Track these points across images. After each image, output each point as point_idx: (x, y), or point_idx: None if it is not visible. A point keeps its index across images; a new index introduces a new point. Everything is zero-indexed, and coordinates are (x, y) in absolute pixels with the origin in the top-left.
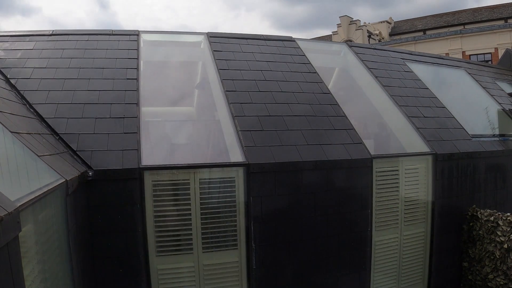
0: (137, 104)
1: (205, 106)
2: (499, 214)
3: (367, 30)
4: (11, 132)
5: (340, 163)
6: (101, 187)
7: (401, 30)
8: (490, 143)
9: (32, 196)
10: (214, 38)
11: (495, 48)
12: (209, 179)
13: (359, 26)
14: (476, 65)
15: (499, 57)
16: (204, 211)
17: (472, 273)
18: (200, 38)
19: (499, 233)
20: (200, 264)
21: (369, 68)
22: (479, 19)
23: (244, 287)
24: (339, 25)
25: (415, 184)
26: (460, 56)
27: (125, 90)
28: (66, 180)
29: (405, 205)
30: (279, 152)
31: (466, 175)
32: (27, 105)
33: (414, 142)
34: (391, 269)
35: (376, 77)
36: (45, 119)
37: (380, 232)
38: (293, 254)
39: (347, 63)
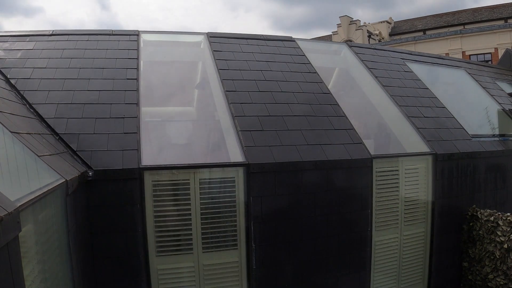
0: (137, 104)
1: (205, 106)
2: (499, 214)
3: (367, 30)
4: (11, 132)
5: (340, 163)
6: (101, 187)
7: (401, 30)
8: (490, 143)
9: (32, 196)
10: (214, 38)
11: (495, 48)
12: (209, 179)
13: (359, 26)
14: (476, 65)
15: (499, 57)
16: (204, 211)
17: (472, 273)
18: (200, 38)
19: (499, 233)
20: (200, 264)
21: (369, 68)
22: (479, 19)
23: (244, 287)
24: (339, 25)
25: (415, 184)
26: (460, 56)
27: (125, 90)
28: (66, 180)
29: (405, 205)
30: (279, 152)
31: (466, 175)
32: (27, 105)
33: (414, 142)
34: (391, 269)
35: (376, 77)
36: (45, 119)
37: (380, 232)
38: (293, 254)
39: (347, 63)
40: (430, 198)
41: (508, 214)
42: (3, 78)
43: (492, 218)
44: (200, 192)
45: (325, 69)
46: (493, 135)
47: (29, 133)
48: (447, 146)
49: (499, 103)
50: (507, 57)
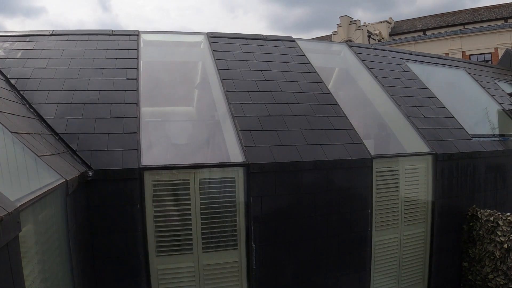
0: (137, 104)
1: (205, 106)
2: (499, 214)
3: (367, 30)
4: (11, 132)
5: (340, 163)
6: (101, 187)
7: (401, 30)
8: (490, 143)
9: (32, 196)
10: (214, 38)
11: (495, 48)
12: (209, 179)
13: (359, 26)
14: (476, 65)
15: (499, 57)
16: (204, 211)
17: (472, 273)
18: (200, 38)
19: (499, 233)
20: (200, 264)
21: (369, 68)
22: (479, 19)
23: (244, 287)
24: (339, 25)
25: (415, 184)
26: (460, 56)
27: (125, 90)
28: (66, 180)
29: (405, 205)
30: (279, 152)
31: (466, 175)
32: (27, 105)
33: (414, 142)
34: (391, 269)
35: (376, 77)
36: (45, 119)
37: (380, 232)
38: (293, 254)
39: (347, 63)
40: (430, 198)
41: (508, 214)
42: (3, 78)
43: (492, 218)
44: (200, 192)
45: (325, 69)
46: (493, 135)
47: (29, 133)
48: (447, 146)
49: (499, 103)
50: (507, 57)
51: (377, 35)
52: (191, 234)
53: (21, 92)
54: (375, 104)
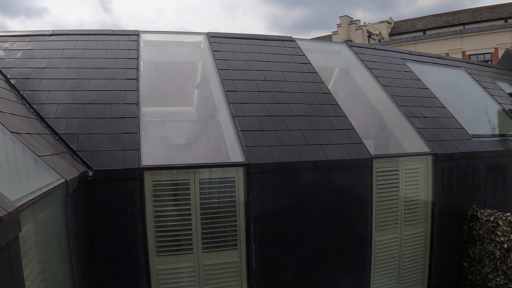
0: (137, 104)
1: (205, 106)
2: (499, 214)
3: (367, 30)
4: (11, 132)
5: (340, 163)
6: (101, 187)
7: (401, 30)
8: (490, 143)
9: (32, 196)
10: (214, 38)
11: (495, 48)
12: (209, 179)
13: (359, 26)
14: (476, 65)
15: (499, 57)
16: (204, 211)
17: (472, 273)
18: (200, 38)
19: (499, 233)
20: (200, 264)
21: (369, 68)
22: (479, 19)
23: (244, 287)
24: (339, 25)
25: (415, 184)
26: (460, 56)
27: (125, 90)
28: (66, 180)
29: (405, 205)
30: (279, 152)
31: (466, 175)
32: (27, 105)
33: (414, 142)
34: (391, 269)
35: (376, 77)
36: (45, 119)
37: (380, 232)
38: (293, 254)
39: (347, 63)
40: (430, 198)
41: (508, 214)
42: (3, 78)
43: (492, 218)
44: (200, 192)
45: (325, 69)
46: (493, 135)
47: (29, 133)
48: (447, 146)
49: (499, 103)
50: (507, 57)
51: (377, 35)
52: (191, 234)
53: (21, 92)
54: (375, 104)
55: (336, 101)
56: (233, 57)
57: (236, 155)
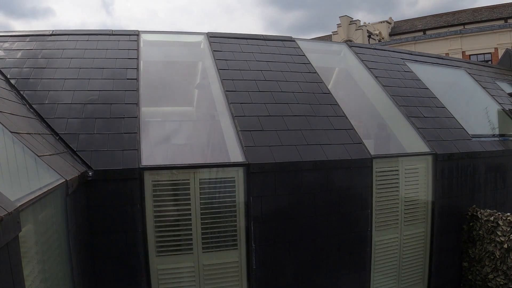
0: (137, 104)
1: (205, 106)
2: (499, 214)
3: (367, 30)
4: (11, 132)
5: (340, 163)
6: (101, 187)
7: (401, 30)
8: (490, 143)
9: (32, 196)
10: (214, 38)
11: (495, 48)
12: (209, 179)
13: (359, 26)
14: (476, 65)
15: (499, 57)
16: (204, 211)
17: (472, 273)
18: (200, 38)
19: (499, 233)
20: (200, 264)
21: (369, 68)
22: (479, 19)
23: (244, 287)
24: (339, 25)
25: (415, 184)
26: (460, 56)
27: (125, 90)
28: (66, 180)
29: (405, 205)
30: (279, 152)
31: (466, 175)
32: (27, 105)
33: (414, 142)
34: (391, 269)
35: (376, 77)
36: (45, 119)
37: (380, 232)
38: (293, 254)
39: (347, 63)
40: (430, 198)
41: (508, 214)
42: (3, 78)
43: (492, 218)
44: (200, 192)
45: (325, 69)
46: (493, 135)
47: (29, 133)
48: (447, 146)
49: (499, 103)
50: (507, 57)
51: (377, 35)
52: (191, 234)
53: (21, 92)
54: (375, 104)
55: (336, 101)
56: (233, 57)
57: (236, 155)
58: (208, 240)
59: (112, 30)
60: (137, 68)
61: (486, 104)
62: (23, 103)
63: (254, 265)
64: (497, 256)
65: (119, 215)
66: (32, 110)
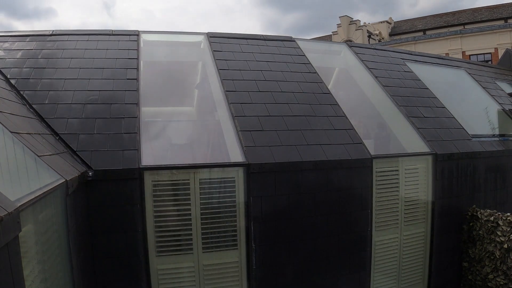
0: (137, 104)
1: (205, 106)
2: (499, 214)
3: (367, 30)
4: (11, 132)
5: (340, 163)
6: (101, 187)
7: (401, 30)
8: (490, 143)
9: (32, 196)
10: (214, 38)
11: (495, 48)
12: (209, 179)
13: (359, 26)
14: (476, 65)
15: (499, 57)
16: (204, 211)
17: (472, 273)
18: (200, 38)
19: (499, 233)
20: (200, 264)
21: (369, 68)
22: (479, 19)
23: (244, 287)
24: (339, 25)
25: (415, 184)
26: (460, 56)
27: (125, 90)
28: (66, 180)
29: (405, 205)
30: (279, 152)
31: (466, 175)
32: (27, 105)
33: (414, 142)
34: (391, 269)
35: (376, 77)
36: (45, 119)
37: (380, 232)
38: (293, 254)
39: (347, 63)
40: (430, 198)
41: (508, 214)
42: (3, 78)
43: (492, 218)
44: (200, 192)
45: (325, 69)
46: (493, 135)
47: (29, 133)
48: (447, 146)
49: (499, 103)
50: (507, 57)
51: (377, 35)
52: (191, 234)
53: (21, 92)
54: (375, 104)
55: (336, 101)
56: (233, 57)
57: (236, 155)
58: (208, 240)
59: (112, 30)
60: (137, 68)
61: (486, 104)
62: (23, 103)
63: (254, 265)
64: (497, 256)
65: (119, 215)
66: (32, 110)
